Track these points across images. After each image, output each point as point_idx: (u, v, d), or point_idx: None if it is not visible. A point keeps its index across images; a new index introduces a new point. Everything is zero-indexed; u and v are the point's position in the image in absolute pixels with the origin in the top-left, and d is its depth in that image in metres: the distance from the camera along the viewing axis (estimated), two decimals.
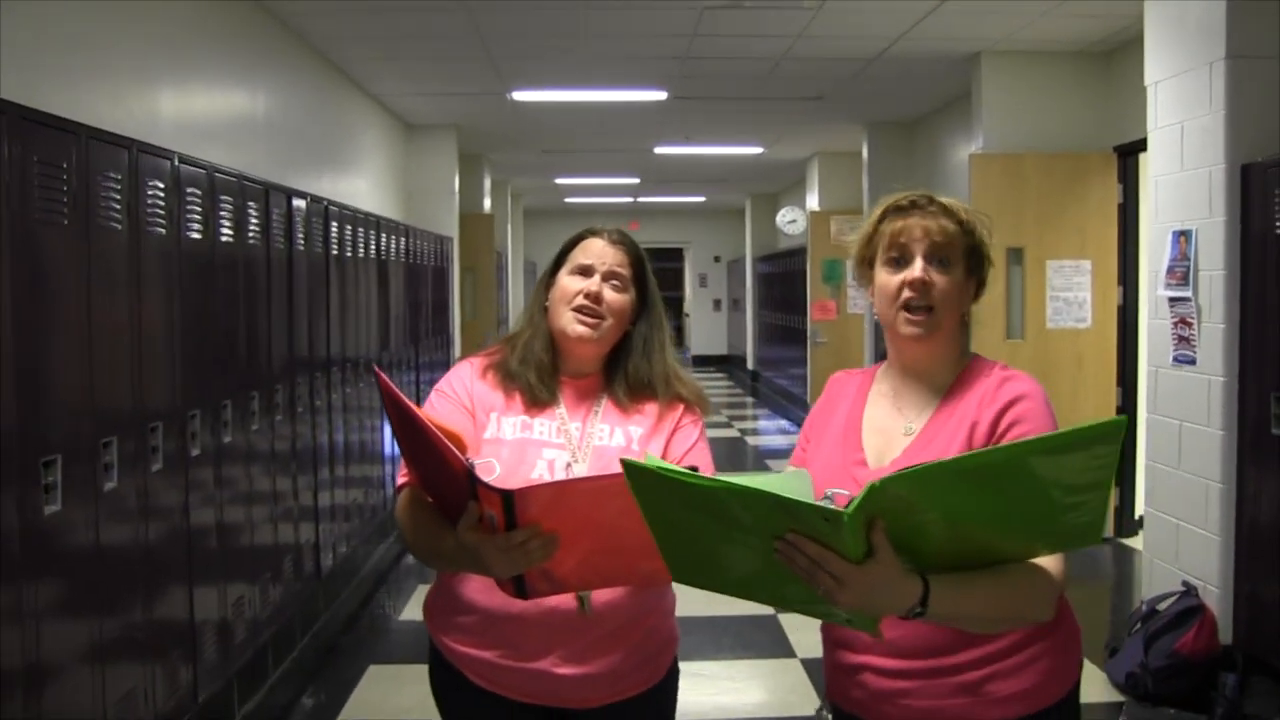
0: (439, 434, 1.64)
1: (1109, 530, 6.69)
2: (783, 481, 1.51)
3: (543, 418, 2.04)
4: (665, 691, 2.10)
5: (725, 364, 20.34)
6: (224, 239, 4.25)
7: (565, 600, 1.91)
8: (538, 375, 2.05)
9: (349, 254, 6.13)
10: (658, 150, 11.41)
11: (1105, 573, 6.27)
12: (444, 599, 2.05)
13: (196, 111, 4.93)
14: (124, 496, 3.29)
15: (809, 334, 11.57)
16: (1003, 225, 6.42)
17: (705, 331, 21.20)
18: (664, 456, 2.02)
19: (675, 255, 21.77)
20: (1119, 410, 6.57)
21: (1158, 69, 4.65)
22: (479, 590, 1.95)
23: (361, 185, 8.08)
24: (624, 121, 9.61)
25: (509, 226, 14.89)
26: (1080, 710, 1.88)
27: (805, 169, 12.44)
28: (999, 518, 1.48)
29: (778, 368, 14.64)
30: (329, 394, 5.64)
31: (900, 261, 1.83)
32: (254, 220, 4.58)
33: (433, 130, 9.74)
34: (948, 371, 1.87)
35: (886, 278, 1.84)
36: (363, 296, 6.45)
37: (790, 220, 12.33)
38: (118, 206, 3.32)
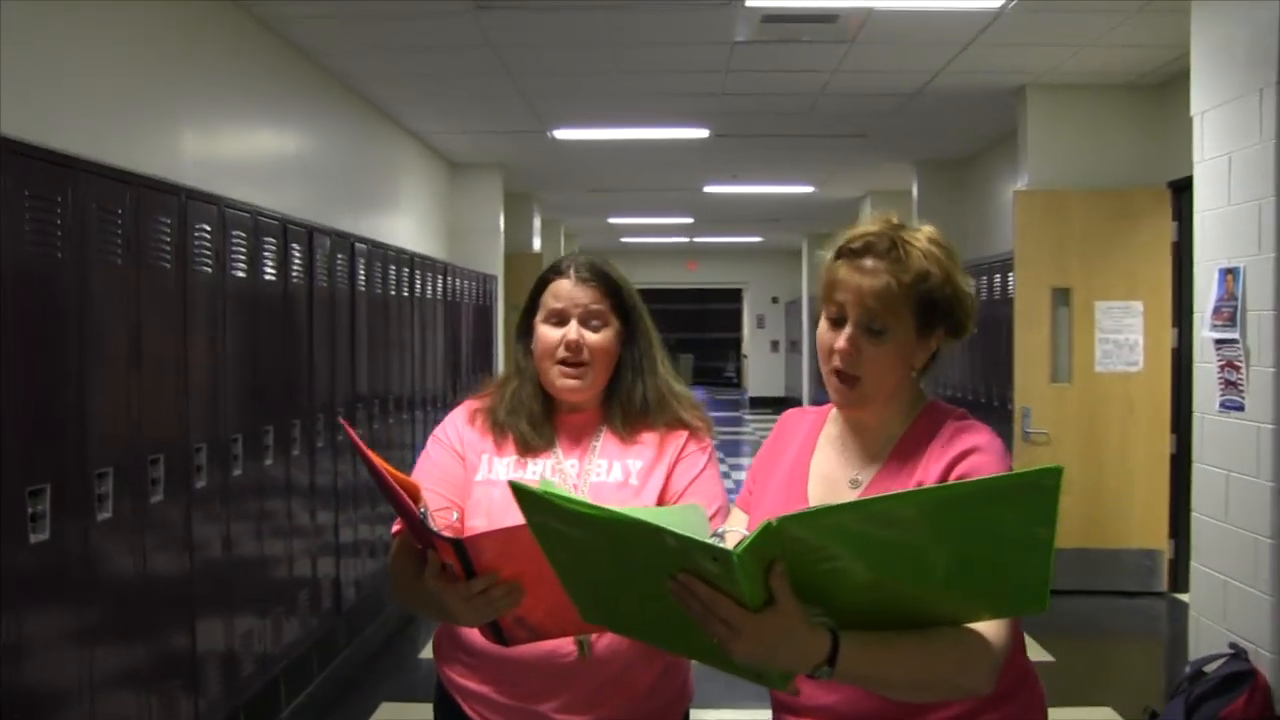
0: (395, 485, 1.60)
1: (1164, 584, 6.37)
2: (675, 515, 1.38)
3: (538, 458, 1.97)
4: None
5: (781, 405, 20.09)
6: (267, 277, 4.47)
7: (566, 643, 1.84)
8: (530, 423, 1.97)
9: (391, 292, 6.19)
10: (707, 189, 11.32)
11: (1156, 630, 5.99)
12: (450, 632, 1.97)
13: (236, 155, 5.02)
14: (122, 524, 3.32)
15: None
16: (1048, 264, 6.24)
17: (762, 373, 21.01)
18: (664, 490, 1.94)
19: (734, 296, 21.63)
20: (1172, 459, 6.27)
21: (1204, 98, 4.42)
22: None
23: (404, 224, 8.09)
24: (669, 160, 9.53)
25: None
26: None
27: (858, 209, 12.26)
28: (919, 571, 1.30)
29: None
30: (370, 426, 5.72)
31: (838, 320, 1.66)
32: (297, 259, 4.79)
33: (477, 169, 9.74)
34: (897, 422, 1.71)
35: (823, 332, 1.69)
36: (401, 333, 6.49)
37: None
38: (167, 248, 3.61)
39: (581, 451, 1.98)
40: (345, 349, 5.43)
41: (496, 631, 1.68)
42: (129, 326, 3.38)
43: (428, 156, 8.91)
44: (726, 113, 7.47)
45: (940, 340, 1.70)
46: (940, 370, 1.77)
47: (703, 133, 8.15)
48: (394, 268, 6.34)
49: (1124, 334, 6.30)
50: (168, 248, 3.62)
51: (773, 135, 8.39)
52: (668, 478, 1.95)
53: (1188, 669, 4.25)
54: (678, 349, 23.19)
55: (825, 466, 1.75)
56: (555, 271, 2.01)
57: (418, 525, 1.59)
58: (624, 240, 17.87)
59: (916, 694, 1.50)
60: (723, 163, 9.71)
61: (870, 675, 1.41)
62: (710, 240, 17.62)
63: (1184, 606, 6.02)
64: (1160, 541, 6.41)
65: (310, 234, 4.95)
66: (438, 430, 2.04)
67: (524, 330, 2.02)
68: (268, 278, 4.47)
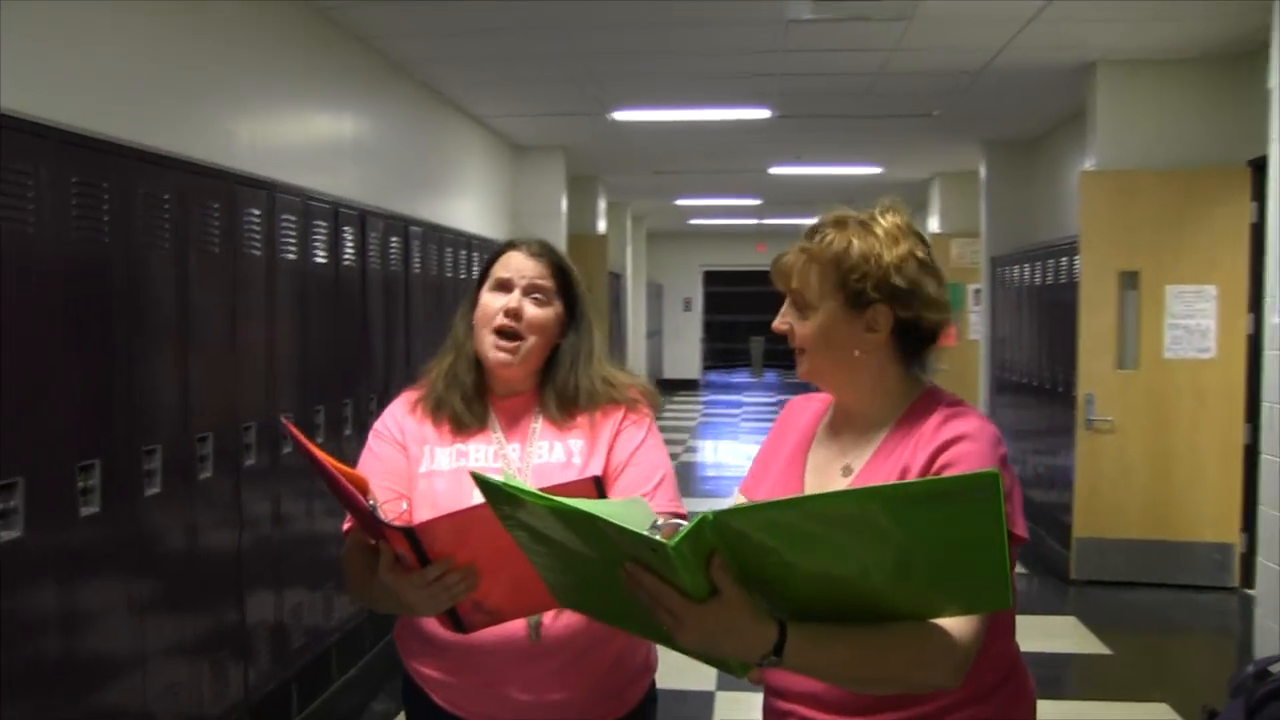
0: (342, 478, 1.59)
1: (1235, 579, 6.19)
2: (621, 508, 1.37)
3: (477, 442, 1.96)
4: (642, 718, 2.02)
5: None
6: (318, 260, 4.58)
7: (520, 627, 1.85)
8: (463, 400, 1.97)
9: (448, 274, 6.25)
10: (772, 171, 11.22)
11: (1224, 626, 5.83)
12: (409, 625, 2.00)
13: (291, 140, 5.06)
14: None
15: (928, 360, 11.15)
16: (1115, 247, 6.07)
17: None
18: (606, 466, 1.94)
19: None
20: (1246, 450, 6.07)
21: None
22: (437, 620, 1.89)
23: (466, 207, 8.13)
24: (732, 141, 9.45)
25: (627, 248, 14.85)
26: None
27: (927, 190, 12.07)
28: (866, 568, 1.29)
29: None
30: None
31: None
32: (349, 242, 4.89)
33: (539, 151, 9.75)
34: (887, 408, 1.69)
35: None
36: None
37: None
38: (216, 232, 3.73)
39: (522, 435, 1.98)
40: (400, 330, 5.48)
41: (455, 619, 1.67)
42: (178, 309, 3.46)
43: (490, 140, 8.94)
44: (787, 93, 7.38)
45: (888, 319, 1.64)
46: (938, 357, 1.76)
47: (764, 113, 8.06)
48: (451, 250, 6.38)
49: (1195, 319, 6.10)
50: (216, 232, 3.69)
51: (835, 116, 8.27)
52: (609, 452, 1.95)
53: (1251, 668, 4.09)
54: (748, 332, 23.10)
55: (821, 455, 1.76)
56: (509, 245, 2.02)
57: (368, 518, 1.58)
58: (692, 222, 17.81)
59: (872, 688, 1.52)
60: (787, 144, 9.60)
61: (820, 667, 1.43)
62: (779, 222, 17.45)
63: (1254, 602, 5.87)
64: (1232, 535, 6.21)
65: (363, 217, 5.00)
66: (377, 424, 2.03)
67: (470, 305, 2.01)
68: (319, 260, 4.53)
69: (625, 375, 2.05)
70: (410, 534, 1.54)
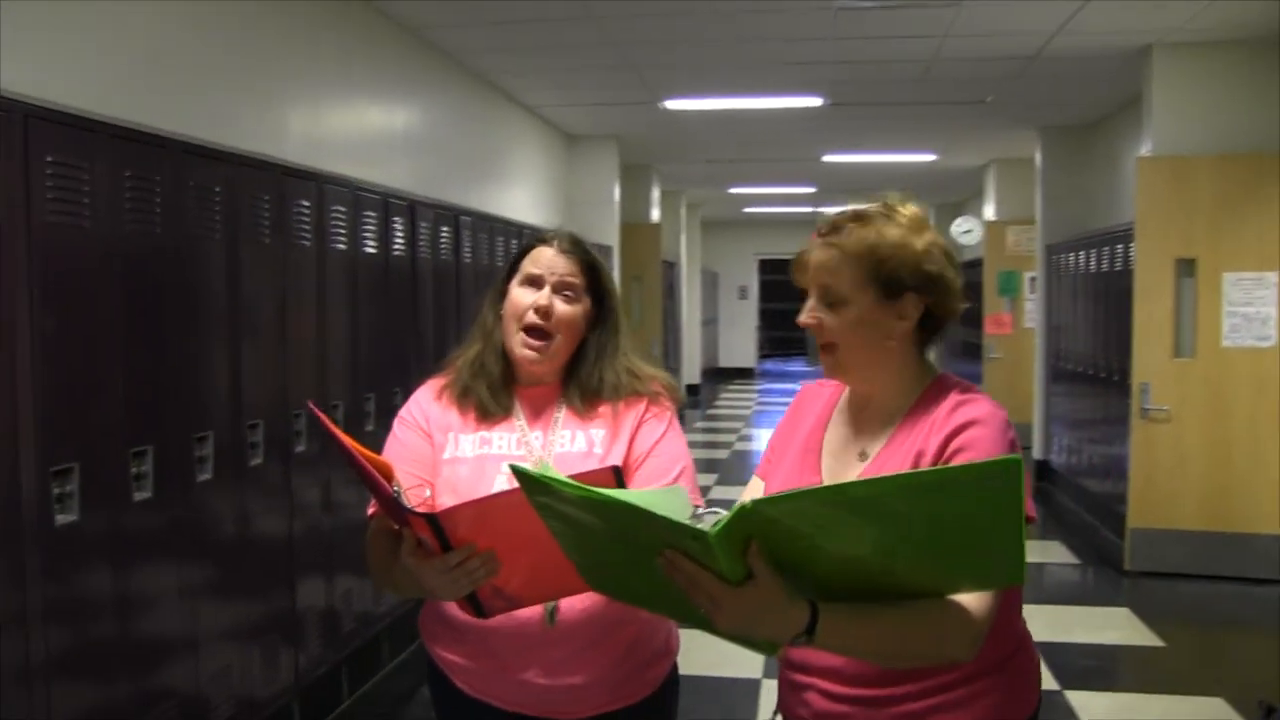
0: (367, 464, 1.62)
1: None
2: (659, 497, 1.43)
3: (500, 430, 1.99)
4: (660, 702, 2.05)
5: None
6: (368, 250, 4.64)
7: (536, 612, 1.88)
8: (489, 389, 2.00)
9: (499, 263, 6.28)
10: (826, 159, 11.15)
11: None
12: (432, 610, 2.04)
13: (342, 131, 5.16)
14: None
15: (983, 349, 11.07)
16: (1171, 234, 5.98)
17: None
18: (628, 456, 1.97)
19: None
20: None
21: None
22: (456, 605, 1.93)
23: (519, 196, 8.19)
24: (785, 129, 9.42)
25: (682, 236, 14.85)
26: None
27: (982, 177, 11.93)
28: (892, 551, 1.36)
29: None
30: None
31: (807, 296, 1.76)
32: (399, 232, 4.94)
33: (592, 140, 9.79)
34: (903, 395, 1.74)
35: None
36: None
37: (965, 230, 11.81)
38: (267, 223, 3.80)
39: (545, 424, 2.00)
40: (451, 318, 5.54)
41: (475, 604, 1.70)
42: (229, 299, 3.54)
43: (543, 129, 9.00)
44: (838, 80, 7.34)
45: (918, 307, 1.70)
46: (943, 340, 1.82)
47: (816, 101, 8.02)
48: (502, 239, 6.43)
49: (1255, 307, 5.98)
50: (267, 223, 3.77)
51: (888, 103, 8.21)
52: (630, 443, 1.97)
53: None
54: None
55: (837, 440, 1.80)
56: (540, 240, 2.04)
57: (392, 504, 1.61)
58: (746, 210, 17.75)
59: (896, 662, 1.58)
60: (840, 131, 9.55)
61: (849, 645, 1.50)
62: (835, 210, 17.30)
63: None
64: None
65: (412, 207, 5.07)
66: (402, 411, 2.06)
67: (498, 295, 2.04)
68: (369, 250, 4.59)
69: (649, 368, 2.07)
70: (433, 520, 1.57)
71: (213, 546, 3.44)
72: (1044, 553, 7.26)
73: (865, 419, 1.77)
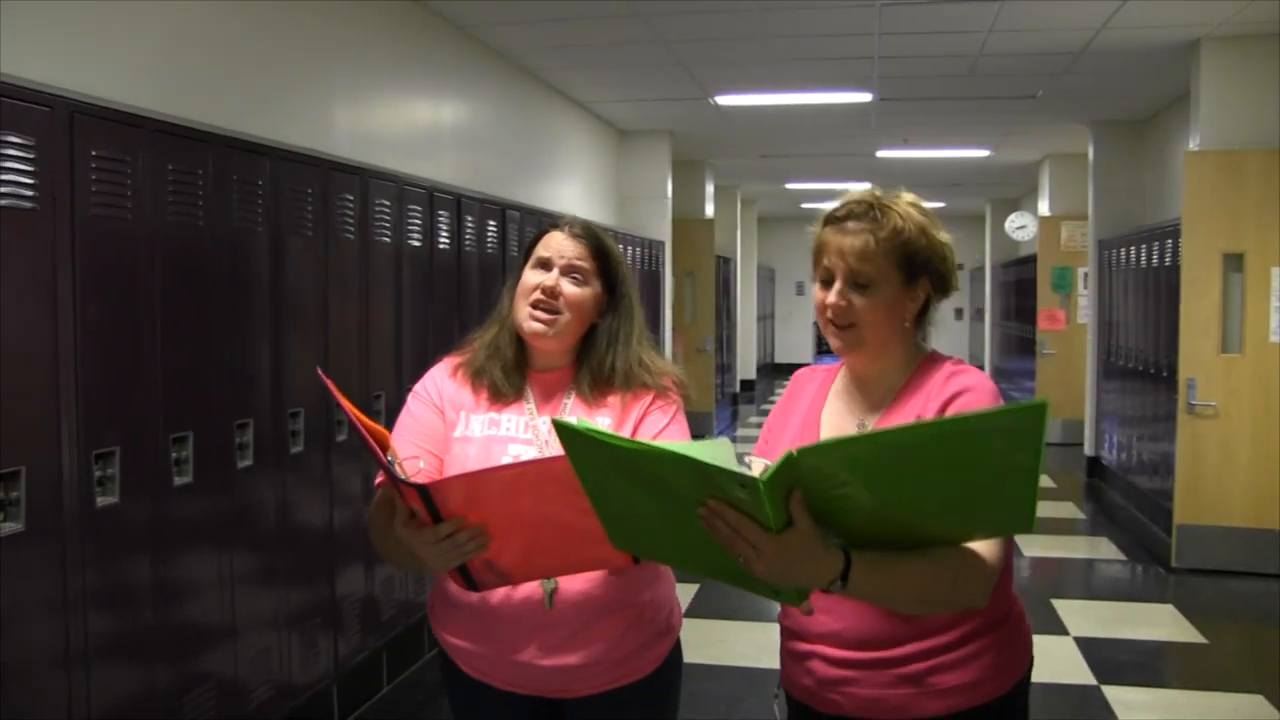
0: (365, 432, 1.67)
1: None
2: (705, 448, 1.47)
3: (510, 412, 2.04)
4: (663, 680, 2.08)
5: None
6: (412, 243, 4.72)
7: (535, 593, 1.94)
8: (503, 370, 2.06)
9: None
10: (880, 154, 11.11)
11: None
12: (438, 595, 2.11)
13: (390, 127, 5.27)
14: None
15: (1037, 344, 10.97)
16: (1219, 228, 5.92)
17: (946, 342, 19.68)
18: None
19: None
20: None
21: None
22: (459, 588, 1.97)
23: (570, 191, 8.28)
24: (837, 124, 9.40)
25: (737, 231, 14.86)
26: (1028, 707, 1.88)
27: (1037, 172, 11.81)
28: (920, 495, 1.45)
29: (1012, 380, 13.94)
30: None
31: (827, 280, 1.83)
32: (444, 226, 5.02)
33: (644, 136, 9.85)
34: (899, 372, 1.86)
35: (818, 294, 1.85)
36: None
37: (1020, 226, 11.72)
38: (310, 216, 3.91)
39: (553, 408, 2.05)
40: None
41: (467, 577, 1.75)
42: (271, 290, 3.65)
43: (595, 125, 9.08)
44: (887, 76, 7.33)
45: (927, 291, 1.84)
46: (935, 324, 1.91)
47: (866, 96, 8.02)
48: None
49: None
50: (310, 215, 3.88)
51: (938, 98, 8.17)
52: (634, 432, 2.01)
53: None
54: None
55: (835, 416, 1.90)
56: (552, 224, 2.11)
57: (386, 471, 1.65)
58: (804, 206, 17.69)
59: (920, 607, 1.69)
60: (892, 127, 9.52)
61: (878, 591, 1.58)
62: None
63: None
64: None
65: (458, 201, 5.16)
66: (418, 386, 2.11)
67: (515, 281, 2.09)
68: (414, 244, 4.70)
69: (662, 363, 2.12)
70: (424, 491, 1.61)
71: (252, 532, 3.55)
72: (1092, 549, 7.21)
73: (861, 396, 1.88)
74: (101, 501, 2.84)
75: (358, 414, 1.69)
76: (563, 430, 1.48)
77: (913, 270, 1.80)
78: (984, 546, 1.61)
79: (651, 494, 1.49)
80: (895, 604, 1.66)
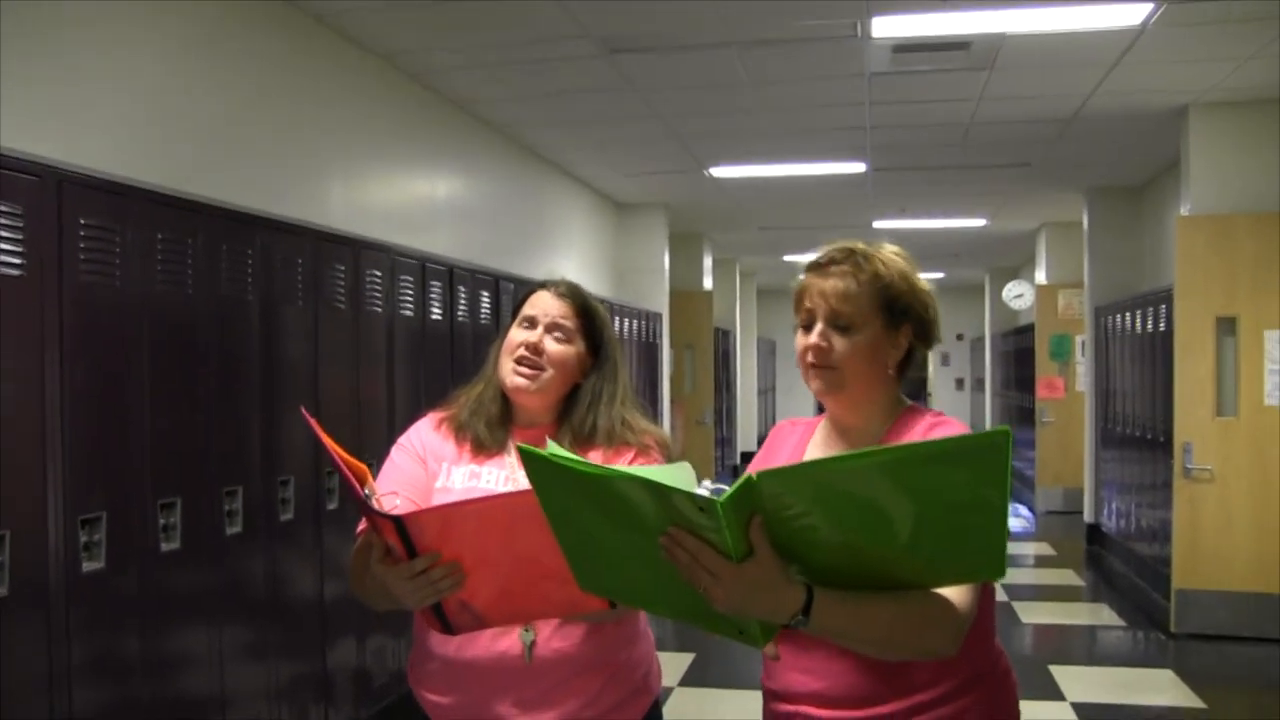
0: (342, 464, 1.67)
1: None
2: (666, 472, 1.46)
3: (491, 465, 2.05)
4: None
5: None
6: (404, 313, 4.75)
7: (514, 646, 1.94)
8: (486, 425, 2.07)
9: None
10: (877, 225, 11.20)
11: None
12: (417, 650, 2.10)
13: (385, 201, 5.34)
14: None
15: (1036, 413, 10.95)
16: (1213, 293, 5.94)
17: (948, 412, 20.31)
18: None
19: None
20: None
21: None
22: (437, 640, 1.99)
23: (568, 264, 8.34)
24: (832, 196, 9.50)
25: (736, 304, 14.94)
26: None
27: (1034, 241, 11.89)
28: (882, 532, 1.40)
29: (1013, 450, 13.87)
30: None
31: (808, 325, 1.82)
32: (435, 296, 5.05)
33: (642, 209, 9.95)
34: (879, 422, 1.84)
35: (798, 339, 1.84)
36: None
37: (1017, 295, 11.77)
38: (342, 290, 4.05)
39: None
40: None
41: (443, 619, 1.74)
42: (261, 358, 3.67)
43: (592, 198, 9.18)
44: (879, 146, 7.43)
45: (909, 338, 1.83)
46: (919, 369, 1.90)
47: (860, 167, 8.12)
48: None
49: None
50: (301, 286, 3.91)
51: (932, 168, 8.27)
52: None
53: None
54: None
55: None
56: (540, 285, 2.14)
57: (363, 506, 1.66)
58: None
59: (885, 650, 1.63)
60: (888, 197, 9.61)
61: (842, 629, 1.54)
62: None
63: None
64: None
65: (451, 272, 5.20)
66: (402, 438, 2.13)
67: (503, 340, 2.11)
68: (405, 314, 4.73)
69: (645, 423, 2.12)
70: (399, 523, 1.61)
71: (242, 599, 3.53)
72: (1092, 615, 7.14)
73: (843, 443, 1.85)
74: (88, 567, 2.82)
75: (338, 449, 1.69)
76: (526, 456, 1.47)
77: (894, 315, 1.79)
78: (954, 593, 1.58)
79: (614, 524, 1.47)
80: (859, 644, 1.62)
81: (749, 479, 1.36)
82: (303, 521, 3.88)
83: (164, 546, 3.13)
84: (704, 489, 1.42)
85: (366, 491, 1.69)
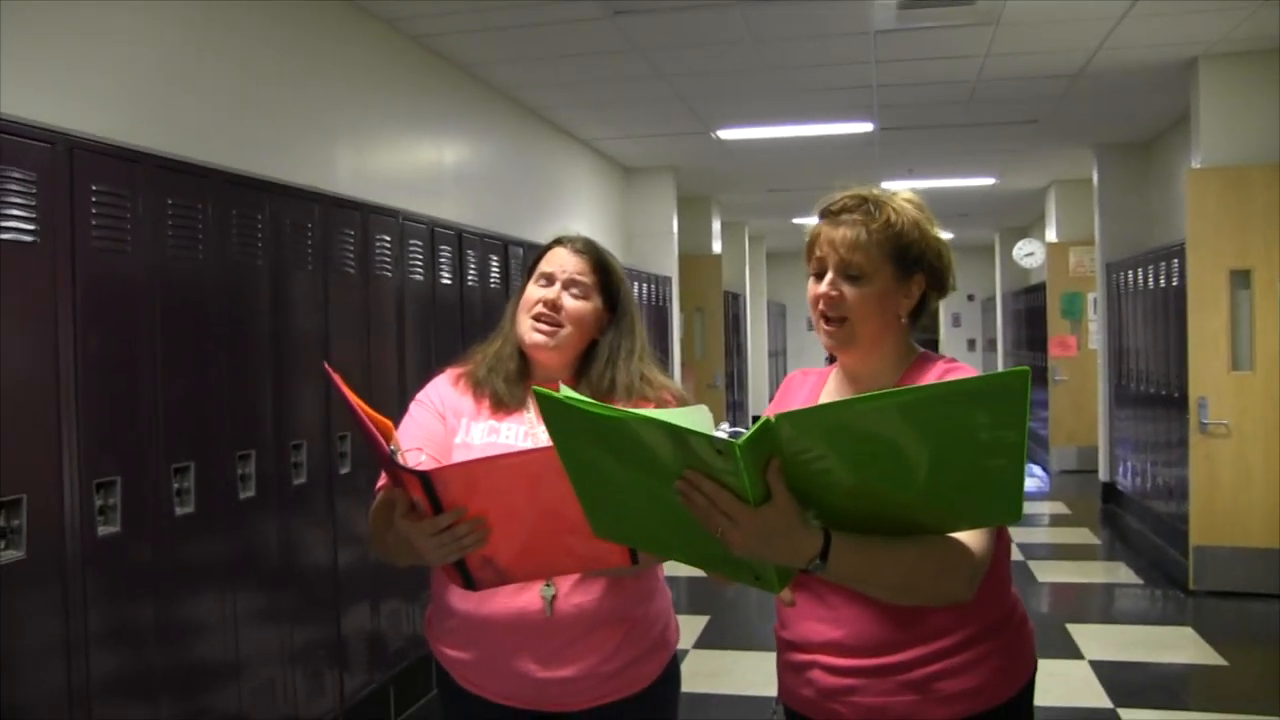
0: (366, 419, 1.66)
1: None
2: (683, 415, 1.45)
3: (510, 422, 2.06)
4: (659, 695, 2.08)
5: None
6: (415, 278, 4.75)
7: (534, 602, 1.94)
8: (505, 381, 2.08)
9: None
10: (886, 185, 11.06)
11: None
12: (435, 607, 2.11)
13: (394, 167, 5.33)
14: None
15: (1049, 371, 10.93)
16: (1224, 245, 5.90)
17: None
18: None
19: None
20: None
21: None
22: (458, 596, 2.00)
23: (576, 228, 8.23)
24: (840, 156, 9.44)
25: (746, 268, 14.90)
26: (1033, 711, 1.83)
27: (1044, 199, 11.82)
28: (900, 474, 1.39)
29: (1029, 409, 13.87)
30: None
31: (819, 273, 1.81)
32: (445, 261, 5.05)
33: (649, 172, 9.91)
34: (892, 370, 1.84)
35: (810, 287, 1.82)
36: None
37: (1028, 254, 11.71)
38: (351, 256, 4.08)
39: None
40: None
41: (465, 575, 1.74)
42: (271, 323, 3.68)
43: (599, 162, 9.14)
44: (886, 105, 7.38)
45: (921, 287, 1.81)
46: (929, 322, 1.89)
47: (867, 126, 8.07)
48: None
49: None
50: (311, 251, 3.92)
51: (939, 126, 8.21)
52: None
53: None
54: None
55: None
56: (556, 242, 2.13)
57: (388, 462, 1.65)
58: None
59: (902, 595, 1.62)
60: (896, 157, 9.56)
61: (860, 574, 1.52)
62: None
63: None
64: None
65: (459, 236, 5.20)
66: (420, 394, 2.13)
67: (520, 295, 2.11)
68: (415, 279, 4.73)
69: (664, 379, 2.13)
70: (425, 479, 1.61)
71: (255, 562, 3.55)
72: (1109, 574, 7.14)
73: (856, 391, 1.84)
74: (103, 531, 2.85)
75: (362, 405, 1.68)
76: (543, 400, 1.46)
77: (906, 264, 1.78)
78: (971, 537, 1.57)
79: (630, 469, 1.46)
80: (877, 589, 1.61)
81: (767, 421, 1.34)
82: (316, 486, 3.89)
83: (178, 510, 3.16)
84: (722, 431, 1.41)
85: (392, 448, 1.68)
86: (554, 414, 1.47)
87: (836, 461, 1.38)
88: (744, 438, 1.34)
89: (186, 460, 3.19)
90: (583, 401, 1.44)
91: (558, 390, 1.98)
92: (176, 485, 3.15)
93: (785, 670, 1.87)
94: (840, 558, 1.46)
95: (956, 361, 1.81)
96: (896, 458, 1.36)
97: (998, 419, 1.31)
